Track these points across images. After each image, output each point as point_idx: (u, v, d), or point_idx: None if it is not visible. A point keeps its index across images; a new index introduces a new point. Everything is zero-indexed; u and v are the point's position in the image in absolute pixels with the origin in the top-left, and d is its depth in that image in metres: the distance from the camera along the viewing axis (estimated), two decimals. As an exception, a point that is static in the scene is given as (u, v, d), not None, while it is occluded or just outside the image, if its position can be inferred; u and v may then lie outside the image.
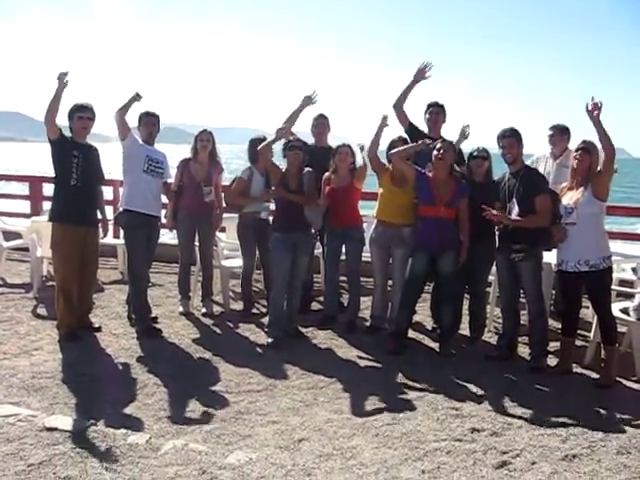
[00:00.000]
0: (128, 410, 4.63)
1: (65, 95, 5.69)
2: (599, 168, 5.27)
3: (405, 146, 6.07)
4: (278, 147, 6.38)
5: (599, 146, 5.23)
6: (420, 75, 6.48)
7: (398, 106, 6.56)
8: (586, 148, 5.28)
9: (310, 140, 6.95)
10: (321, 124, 7.01)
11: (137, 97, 6.03)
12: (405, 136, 6.46)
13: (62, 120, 5.92)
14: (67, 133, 5.94)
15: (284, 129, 6.25)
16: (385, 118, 6.22)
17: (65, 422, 4.34)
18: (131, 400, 4.80)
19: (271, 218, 6.73)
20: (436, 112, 6.63)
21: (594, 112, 5.09)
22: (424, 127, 6.68)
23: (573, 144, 5.81)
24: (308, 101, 6.56)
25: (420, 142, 5.97)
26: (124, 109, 6.06)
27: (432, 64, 6.45)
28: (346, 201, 6.52)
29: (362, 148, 6.46)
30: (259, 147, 6.29)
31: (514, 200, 5.53)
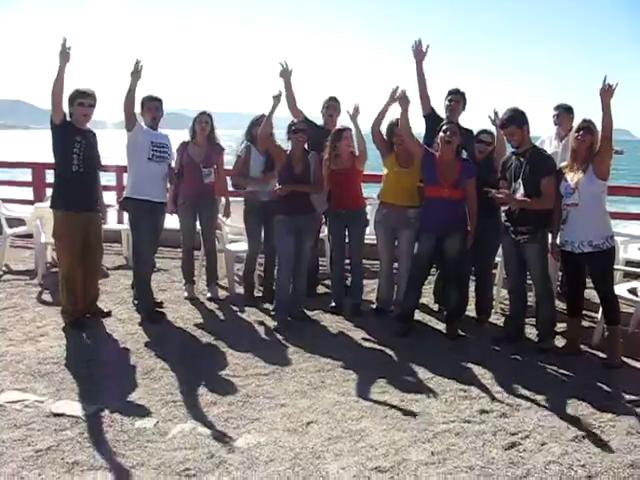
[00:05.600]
0: (135, 395, 4.61)
1: (66, 79, 5.62)
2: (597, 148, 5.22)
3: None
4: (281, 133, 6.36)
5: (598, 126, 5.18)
6: (419, 54, 6.41)
7: (422, 93, 6.49)
8: (588, 127, 5.20)
9: (319, 122, 6.92)
10: (332, 107, 6.94)
11: (136, 75, 5.90)
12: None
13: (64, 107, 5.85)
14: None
15: (277, 95, 6.18)
16: (395, 92, 6.08)
17: (72, 407, 4.35)
18: (138, 385, 4.79)
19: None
20: (456, 100, 6.49)
21: (607, 95, 5.01)
22: (443, 112, 6.61)
23: (576, 123, 5.74)
24: (284, 73, 6.60)
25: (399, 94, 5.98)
26: (131, 97, 5.95)
27: (419, 39, 6.42)
28: (349, 184, 6.46)
29: (353, 115, 6.32)
30: (259, 130, 6.26)
31: (520, 181, 5.47)
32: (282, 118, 6.61)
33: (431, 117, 6.49)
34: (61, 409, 4.31)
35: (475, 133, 6.18)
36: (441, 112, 6.57)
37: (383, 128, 6.30)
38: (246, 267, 7.07)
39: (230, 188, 7.19)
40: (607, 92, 5.00)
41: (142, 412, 4.33)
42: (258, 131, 6.41)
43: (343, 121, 6.72)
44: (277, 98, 6.14)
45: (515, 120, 5.47)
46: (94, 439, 3.95)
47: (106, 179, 6.64)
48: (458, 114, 6.51)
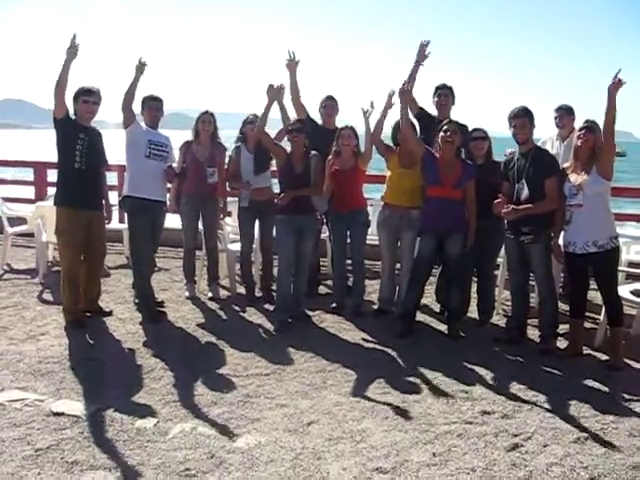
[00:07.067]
0: (135, 394, 4.60)
1: (70, 78, 5.61)
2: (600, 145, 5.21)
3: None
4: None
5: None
6: (421, 55, 6.42)
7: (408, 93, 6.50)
8: (590, 127, 5.21)
9: (318, 122, 6.91)
10: (330, 106, 6.92)
11: (141, 67, 5.91)
12: (410, 117, 6.39)
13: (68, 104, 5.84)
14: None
15: (273, 88, 6.19)
16: (390, 97, 6.12)
17: (72, 407, 4.34)
18: (138, 384, 4.77)
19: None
20: (445, 94, 6.53)
21: (615, 89, 5.00)
22: (433, 110, 6.61)
23: (578, 124, 5.74)
24: (291, 64, 6.64)
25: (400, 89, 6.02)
26: (131, 92, 5.96)
27: (429, 40, 6.42)
28: (351, 184, 6.44)
29: (367, 113, 6.27)
30: (256, 125, 6.26)
31: (523, 181, 5.45)
32: (277, 119, 6.60)
33: (422, 116, 6.50)
34: (61, 408, 4.30)
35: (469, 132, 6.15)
36: (430, 109, 6.59)
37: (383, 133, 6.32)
38: (241, 265, 7.08)
39: (228, 188, 7.21)
40: (616, 87, 4.99)
41: (142, 412, 4.31)
42: (249, 130, 6.47)
43: (352, 119, 6.70)
44: (272, 92, 6.11)
45: (529, 114, 5.48)
46: (94, 438, 3.94)
47: (108, 178, 6.63)
48: (449, 110, 6.52)
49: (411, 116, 6.42)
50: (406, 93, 6.02)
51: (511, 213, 5.41)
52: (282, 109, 6.53)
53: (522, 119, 5.47)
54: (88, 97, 5.82)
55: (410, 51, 6.45)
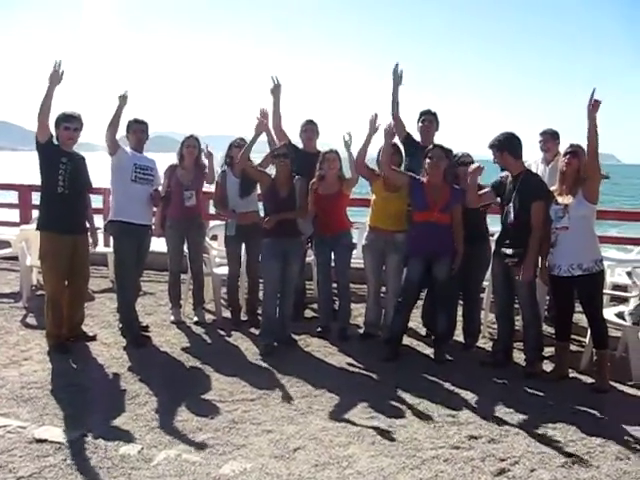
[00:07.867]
0: (119, 420, 4.55)
1: (54, 101, 5.60)
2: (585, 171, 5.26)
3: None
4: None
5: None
6: (397, 77, 6.51)
7: (395, 115, 6.55)
8: (574, 152, 5.26)
9: (299, 146, 6.93)
10: (310, 130, 6.95)
11: (123, 100, 5.94)
12: (396, 142, 6.43)
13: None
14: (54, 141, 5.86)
15: (260, 124, 6.28)
16: (374, 120, 6.14)
17: (55, 433, 4.28)
18: (122, 410, 4.72)
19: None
20: (429, 120, 6.60)
21: (593, 110, 5.06)
22: (417, 134, 6.66)
23: (563, 148, 5.79)
24: (276, 89, 6.74)
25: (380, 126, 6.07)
26: (115, 122, 5.98)
27: (397, 63, 6.51)
28: (334, 208, 6.45)
29: (347, 143, 6.34)
30: (239, 155, 6.28)
31: (511, 204, 5.47)
32: (263, 141, 6.62)
33: (409, 141, 6.55)
34: (44, 435, 4.24)
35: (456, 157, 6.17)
36: (414, 134, 6.67)
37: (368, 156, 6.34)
38: (227, 289, 7.05)
39: (212, 211, 7.22)
40: (595, 107, 5.05)
41: (127, 438, 4.26)
42: (236, 154, 6.49)
43: (334, 142, 6.74)
44: (259, 128, 6.20)
45: (494, 145, 5.52)
46: (77, 466, 3.88)
47: (93, 201, 6.62)
48: (432, 135, 6.58)
49: (398, 141, 6.47)
50: (389, 134, 6.04)
51: (528, 276, 5.42)
52: (268, 134, 6.59)
53: (492, 150, 5.54)
54: (69, 124, 5.80)
55: (378, 70, 6.54)
